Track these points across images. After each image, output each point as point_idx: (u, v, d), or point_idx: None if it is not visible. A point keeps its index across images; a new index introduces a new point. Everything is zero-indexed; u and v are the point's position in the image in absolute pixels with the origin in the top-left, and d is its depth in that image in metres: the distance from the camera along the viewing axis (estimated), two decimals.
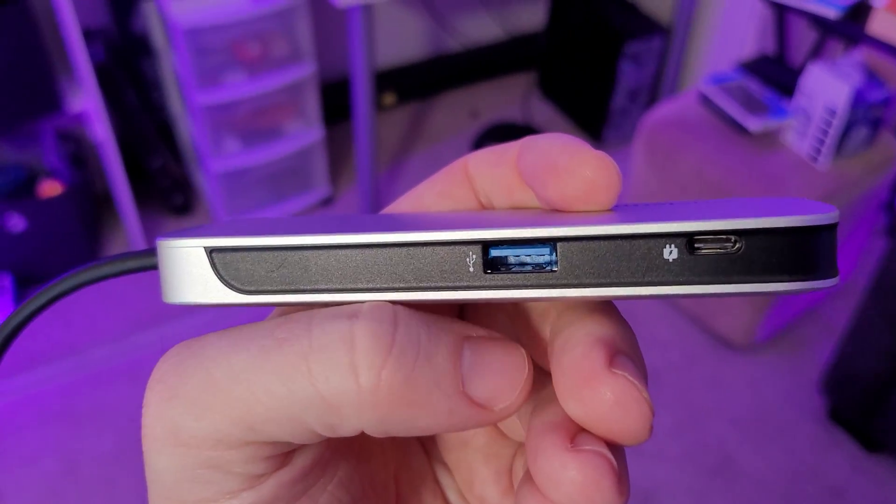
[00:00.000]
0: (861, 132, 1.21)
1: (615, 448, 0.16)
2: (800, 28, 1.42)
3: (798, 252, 0.16)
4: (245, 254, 0.17)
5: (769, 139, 1.28)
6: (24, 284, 1.42)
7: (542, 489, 0.16)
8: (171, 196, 1.58)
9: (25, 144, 1.43)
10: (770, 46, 1.50)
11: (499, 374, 0.17)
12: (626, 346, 0.17)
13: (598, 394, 0.16)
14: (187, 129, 1.53)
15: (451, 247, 0.17)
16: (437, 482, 0.23)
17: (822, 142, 1.21)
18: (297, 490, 0.18)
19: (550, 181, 0.17)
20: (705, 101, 1.33)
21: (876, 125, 1.22)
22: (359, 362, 0.15)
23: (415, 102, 1.96)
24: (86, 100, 1.30)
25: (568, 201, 0.17)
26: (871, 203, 1.30)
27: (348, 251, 0.17)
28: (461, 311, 0.21)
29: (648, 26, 1.72)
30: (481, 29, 1.98)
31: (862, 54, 1.26)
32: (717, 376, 1.34)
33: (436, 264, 0.17)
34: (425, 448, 0.23)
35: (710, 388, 1.32)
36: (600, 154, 0.17)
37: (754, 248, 0.16)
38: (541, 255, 0.17)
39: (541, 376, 0.19)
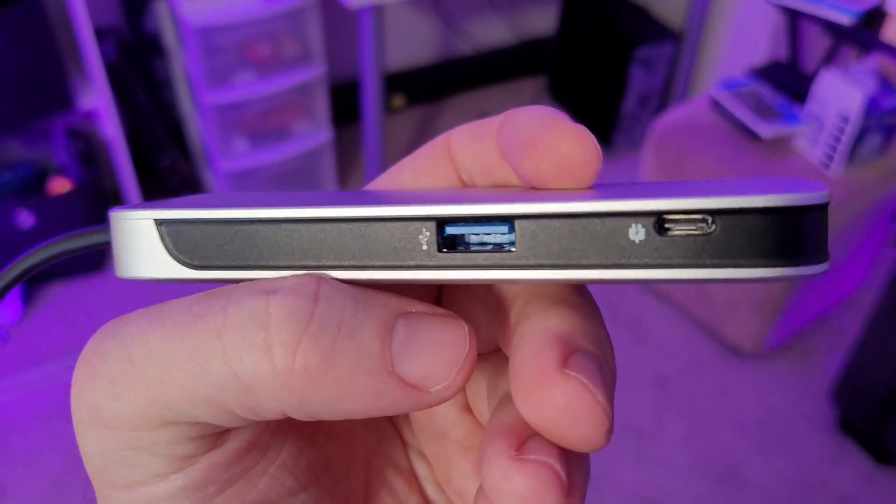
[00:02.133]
0: (874, 139, 1.20)
1: (572, 455, 0.15)
2: (813, 34, 1.41)
3: (780, 234, 0.14)
4: (194, 226, 0.17)
5: (781, 146, 1.27)
6: (32, 281, 1.42)
7: (489, 497, 0.15)
8: (179, 195, 1.58)
9: (36, 141, 1.44)
10: (782, 52, 1.49)
11: (435, 351, 0.15)
12: (589, 343, 0.16)
13: (548, 397, 0.14)
14: (197, 128, 1.53)
15: (403, 223, 0.16)
16: (413, 474, 0.22)
17: (834, 149, 1.20)
18: (233, 473, 0.17)
19: (525, 157, 0.17)
20: (716, 106, 1.32)
21: (889, 132, 1.21)
22: (272, 341, 0.14)
23: (424, 105, 1.96)
24: (96, 98, 1.30)
25: (543, 178, 0.16)
26: (884, 212, 1.29)
27: (296, 226, 0.16)
28: (439, 297, 0.21)
29: (659, 31, 1.72)
30: (492, 32, 1.98)
31: (875, 61, 1.25)
32: (725, 384, 1.33)
33: (387, 241, 0.16)
34: (402, 437, 0.22)
35: (719, 396, 1.31)
36: (577, 127, 0.16)
37: (730, 229, 0.14)
38: (498, 234, 0.16)
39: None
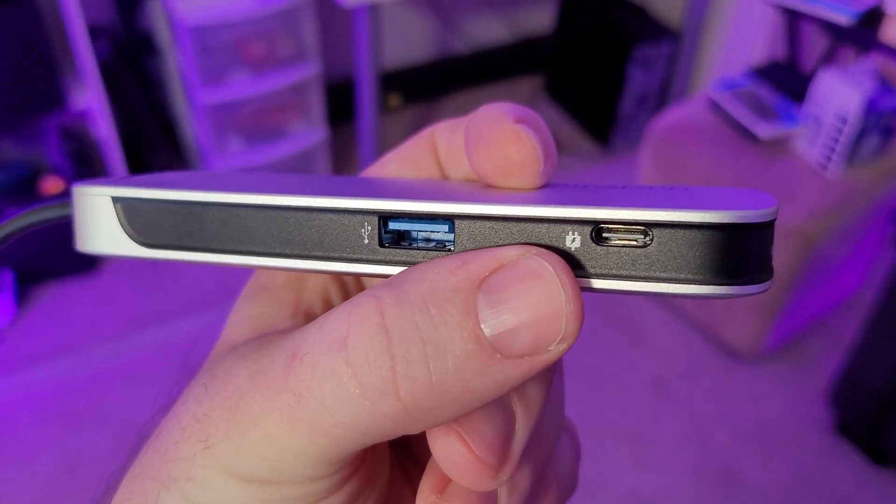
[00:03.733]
0: (872, 140, 1.19)
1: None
2: (811, 34, 1.40)
3: (716, 252, 0.14)
4: (149, 205, 0.17)
5: (779, 146, 1.26)
6: (25, 282, 1.41)
7: None
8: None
9: (29, 141, 1.43)
10: (781, 52, 1.48)
11: (533, 316, 0.14)
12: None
13: (435, 450, 0.16)
14: (191, 127, 1.52)
15: (346, 215, 0.16)
16: (403, 471, 0.22)
17: (832, 150, 1.19)
18: None
19: (472, 154, 0.17)
20: (714, 106, 1.31)
21: (887, 133, 1.20)
22: (372, 396, 0.14)
23: (420, 104, 1.95)
24: (90, 97, 1.30)
25: (488, 176, 0.17)
26: (882, 213, 1.28)
27: (243, 211, 0.16)
28: None
29: (658, 31, 1.71)
30: (489, 31, 1.97)
31: (874, 61, 1.24)
32: (722, 386, 1.33)
33: (330, 232, 0.16)
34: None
35: (716, 398, 1.30)
36: (516, 128, 0.16)
37: (666, 243, 0.14)
38: (437, 232, 0.16)
39: None
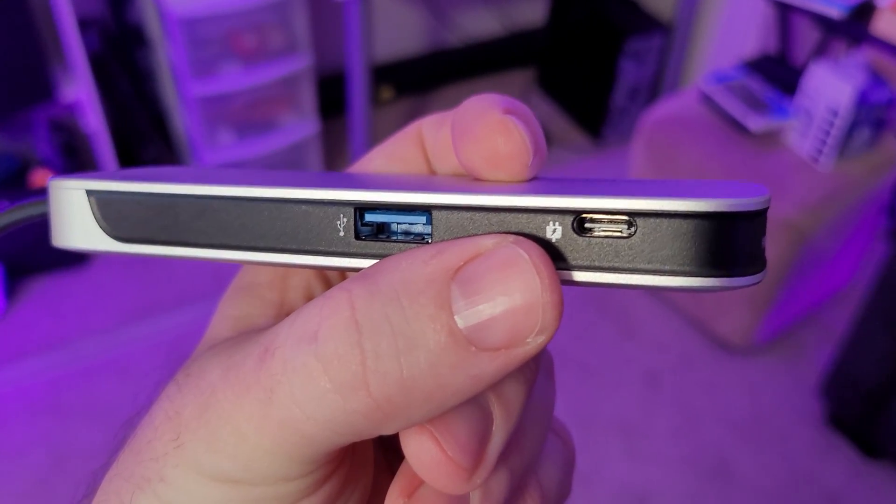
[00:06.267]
0: (863, 133, 1.19)
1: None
2: (803, 27, 1.40)
3: (704, 242, 0.13)
4: (122, 198, 0.17)
5: (770, 139, 1.26)
6: (16, 275, 1.41)
7: None
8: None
9: (18, 133, 1.42)
10: (773, 45, 1.48)
11: (508, 307, 0.13)
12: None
13: (406, 450, 0.15)
14: (181, 120, 1.51)
15: (320, 207, 0.15)
16: (391, 472, 0.22)
17: (823, 142, 1.19)
18: None
19: (460, 147, 0.16)
20: (706, 99, 1.31)
21: (879, 126, 1.20)
22: (343, 391, 0.14)
23: (413, 97, 1.94)
24: (79, 89, 1.29)
25: (476, 169, 0.16)
26: (873, 206, 1.29)
27: (216, 203, 0.16)
28: None
29: (649, 23, 1.71)
30: (481, 24, 1.96)
31: (866, 54, 1.25)
32: (715, 379, 1.33)
33: (304, 224, 0.15)
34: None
35: (708, 391, 1.31)
36: (504, 119, 0.16)
37: (651, 233, 0.13)
38: (414, 224, 0.15)
39: None
